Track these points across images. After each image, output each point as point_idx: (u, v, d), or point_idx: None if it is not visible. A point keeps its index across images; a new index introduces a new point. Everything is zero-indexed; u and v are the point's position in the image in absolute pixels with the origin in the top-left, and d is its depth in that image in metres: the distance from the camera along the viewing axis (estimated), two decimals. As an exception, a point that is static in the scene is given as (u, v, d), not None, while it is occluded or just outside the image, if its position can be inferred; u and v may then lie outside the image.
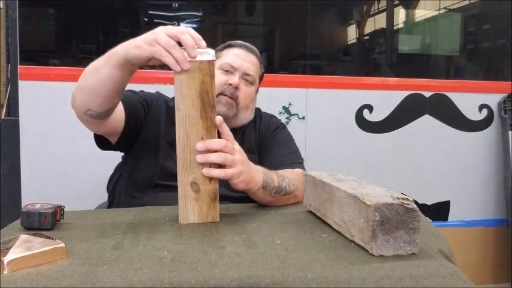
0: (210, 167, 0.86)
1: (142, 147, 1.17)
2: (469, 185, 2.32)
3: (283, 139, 1.29)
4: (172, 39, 0.81)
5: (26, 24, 1.85)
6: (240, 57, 1.24)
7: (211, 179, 0.87)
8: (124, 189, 1.19)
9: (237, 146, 0.90)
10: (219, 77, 1.21)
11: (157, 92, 1.27)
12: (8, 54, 1.89)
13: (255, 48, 1.30)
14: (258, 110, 1.35)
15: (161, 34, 0.82)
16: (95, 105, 0.96)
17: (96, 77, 0.92)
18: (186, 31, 0.83)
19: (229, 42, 1.29)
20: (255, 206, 1.03)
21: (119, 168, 1.27)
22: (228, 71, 1.22)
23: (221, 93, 1.19)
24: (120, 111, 1.08)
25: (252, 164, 0.95)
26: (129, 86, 1.98)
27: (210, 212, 0.88)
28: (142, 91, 1.24)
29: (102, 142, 1.14)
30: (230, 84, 1.19)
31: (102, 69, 0.91)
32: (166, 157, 1.14)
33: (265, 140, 1.28)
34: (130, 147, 1.18)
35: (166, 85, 1.85)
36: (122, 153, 1.25)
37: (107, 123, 1.05)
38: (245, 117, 1.25)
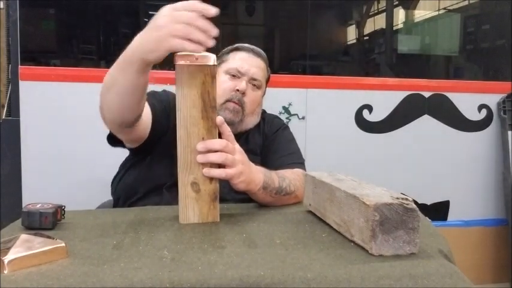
0: (210, 167, 0.86)
1: (165, 149, 1.14)
2: (468, 185, 2.32)
3: (284, 140, 1.29)
4: (186, 26, 0.76)
5: (26, 24, 1.85)
6: (247, 62, 1.23)
7: (211, 179, 0.87)
8: (139, 187, 1.16)
9: (237, 146, 0.91)
10: (226, 83, 1.21)
11: (167, 94, 1.25)
12: (9, 55, 1.90)
13: (262, 52, 1.29)
14: (262, 112, 1.35)
15: (172, 24, 0.76)
16: (126, 117, 0.96)
17: (119, 90, 0.89)
18: (195, 15, 0.76)
19: (236, 45, 1.28)
20: (255, 206, 1.03)
21: (123, 166, 1.26)
22: (235, 75, 1.22)
23: (228, 100, 1.19)
24: (147, 116, 1.07)
25: (252, 164, 0.95)
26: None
27: (210, 212, 0.88)
28: (164, 91, 1.22)
29: (114, 140, 1.13)
30: (237, 90, 1.19)
31: (121, 80, 0.87)
32: None
33: (268, 141, 1.28)
34: (146, 152, 1.16)
35: (166, 85, 1.85)
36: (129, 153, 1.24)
37: (136, 130, 1.04)
38: (251, 121, 1.25)
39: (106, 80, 0.92)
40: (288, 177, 1.06)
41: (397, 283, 0.62)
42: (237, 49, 1.27)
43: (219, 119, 0.87)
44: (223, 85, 1.21)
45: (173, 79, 0.85)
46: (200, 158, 0.85)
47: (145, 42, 0.80)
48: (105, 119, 0.98)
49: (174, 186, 1.10)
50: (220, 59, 1.28)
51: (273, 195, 1.00)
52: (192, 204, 0.87)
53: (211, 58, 0.85)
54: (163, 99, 1.19)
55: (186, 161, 0.86)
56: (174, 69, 0.85)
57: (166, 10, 0.78)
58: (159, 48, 0.78)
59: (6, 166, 1.87)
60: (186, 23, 0.76)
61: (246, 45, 1.29)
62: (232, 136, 0.90)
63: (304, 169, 1.20)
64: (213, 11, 0.77)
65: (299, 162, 1.22)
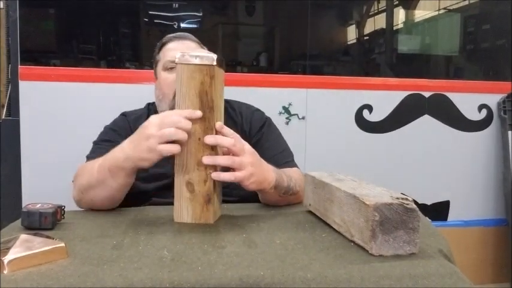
0: (219, 169, 0.86)
1: None
2: (468, 185, 2.32)
3: (273, 137, 1.24)
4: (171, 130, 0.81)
5: (26, 24, 1.85)
6: (177, 49, 1.16)
7: (205, 180, 0.86)
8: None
9: (247, 147, 0.88)
10: (167, 78, 1.17)
11: (122, 120, 1.25)
12: (9, 55, 1.90)
13: (186, 34, 1.27)
14: (236, 104, 1.29)
15: (159, 131, 0.81)
16: (106, 206, 0.99)
17: (106, 189, 0.94)
18: (179, 118, 0.82)
19: (161, 41, 1.26)
20: (254, 206, 1.03)
21: None
22: (172, 68, 1.16)
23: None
24: None
25: (264, 162, 0.93)
26: (128, 86, 1.97)
27: (203, 214, 0.87)
28: (122, 115, 1.24)
29: None
30: None
31: (110, 181, 0.92)
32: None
33: (252, 140, 1.20)
34: None
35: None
36: None
37: None
38: None
39: (89, 180, 0.96)
40: (294, 176, 1.05)
41: (397, 283, 0.62)
42: (163, 44, 1.25)
43: (219, 124, 0.86)
44: (165, 81, 1.17)
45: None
46: (206, 160, 0.84)
47: (136, 152, 0.85)
48: (81, 206, 1.02)
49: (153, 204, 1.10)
50: (154, 63, 1.26)
51: (281, 194, 0.99)
52: (186, 204, 0.87)
53: (211, 58, 0.85)
54: (121, 128, 1.21)
55: (182, 161, 0.86)
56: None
57: (154, 118, 0.84)
58: (150, 157, 0.84)
59: (6, 166, 1.87)
60: (172, 126, 0.82)
61: (169, 35, 1.26)
62: (238, 136, 0.88)
63: (296, 164, 1.19)
64: (198, 113, 0.83)
65: (291, 160, 1.20)
